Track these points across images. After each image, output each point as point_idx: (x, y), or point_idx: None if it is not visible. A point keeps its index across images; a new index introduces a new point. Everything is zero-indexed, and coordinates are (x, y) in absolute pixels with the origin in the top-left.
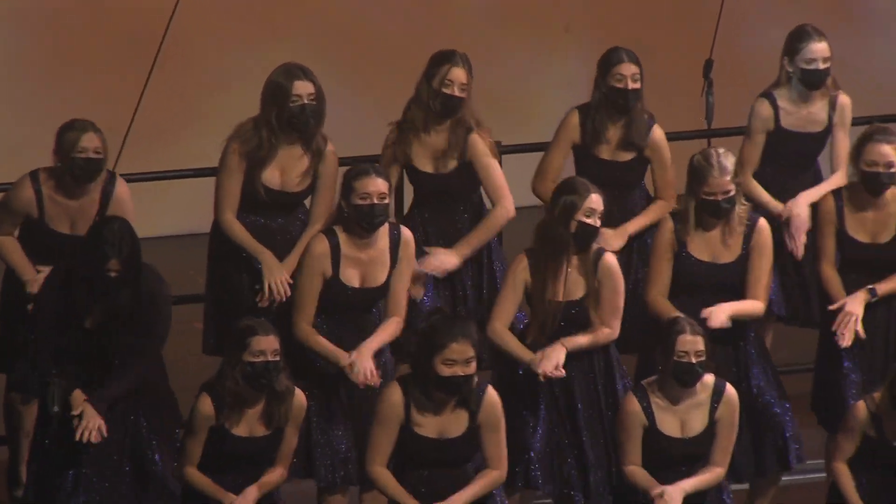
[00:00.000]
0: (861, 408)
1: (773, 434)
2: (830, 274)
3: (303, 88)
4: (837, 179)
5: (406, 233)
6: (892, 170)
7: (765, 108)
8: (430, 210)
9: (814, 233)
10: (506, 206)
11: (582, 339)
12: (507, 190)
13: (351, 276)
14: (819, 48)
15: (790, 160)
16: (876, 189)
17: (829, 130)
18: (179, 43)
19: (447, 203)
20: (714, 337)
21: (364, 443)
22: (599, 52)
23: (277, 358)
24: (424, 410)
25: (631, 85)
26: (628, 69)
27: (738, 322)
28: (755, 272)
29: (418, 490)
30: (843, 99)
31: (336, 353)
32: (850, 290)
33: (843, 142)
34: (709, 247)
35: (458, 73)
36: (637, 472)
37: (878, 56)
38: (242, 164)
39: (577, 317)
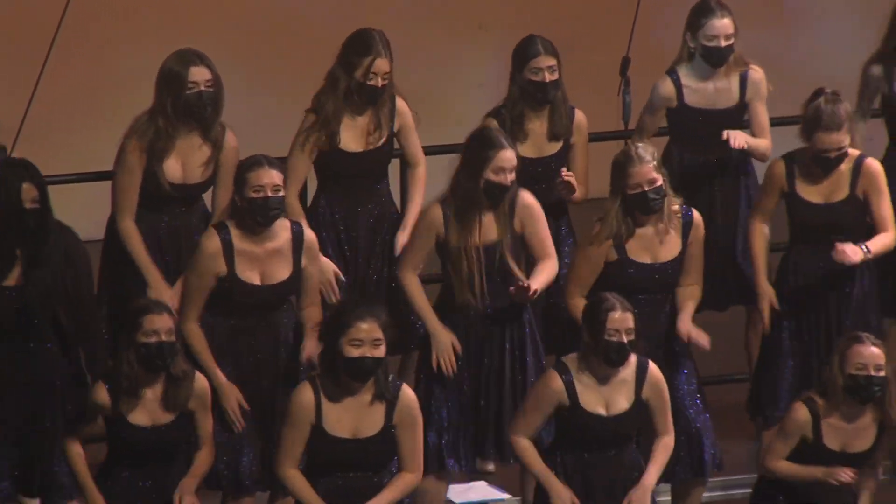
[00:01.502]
0: (801, 409)
1: (689, 441)
2: (759, 227)
3: (199, 75)
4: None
5: (309, 234)
6: (844, 150)
7: (666, 87)
8: (341, 191)
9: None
10: (424, 166)
11: (541, 278)
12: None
13: (249, 274)
14: (721, 25)
15: (704, 140)
16: (827, 168)
17: (742, 106)
18: (77, 36)
19: (363, 182)
20: (648, 339)
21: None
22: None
23: (172, 338)
24: (338, 408)
25: (548, 77)
26: (545, 62)
27: (669, 333)
28: (694, 262)
29: (331, 499)
30: (756, 73)
31: (217, 376)
32: (803, 263)
33: (762, 114)
34: (647, 248)
35: (382, 64)
36: (529, 448)
37: (806, 52)
38: (142, 162)
39: (500, 264)
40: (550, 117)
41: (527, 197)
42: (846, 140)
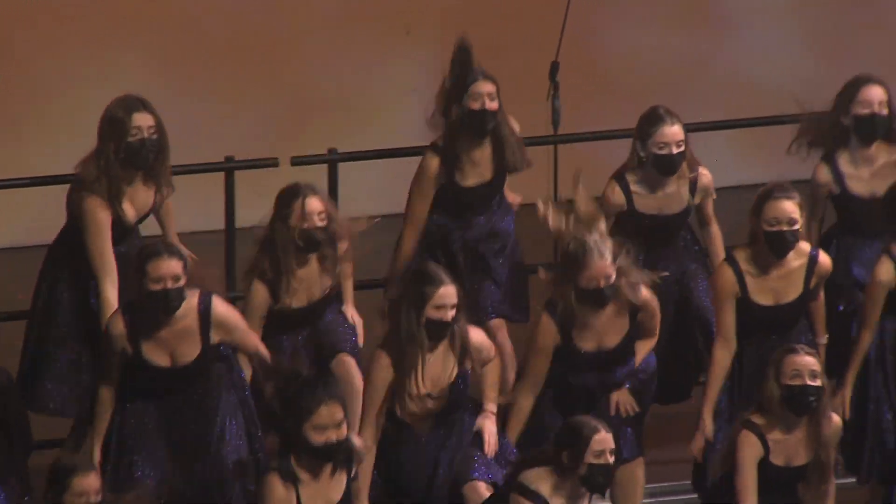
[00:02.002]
0: (749, 438)
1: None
2: (720, 356)
3: (142, 121)
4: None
5: (217, 308)
6: (796, 227)
7: (616, 195)
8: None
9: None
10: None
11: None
12: None
13: (157, 355)
14: (672, 132)
15: (652, 240)
16: (781, 249)
17: (689, 210)
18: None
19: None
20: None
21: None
22: (441, 55)
23: (99, 498)
24: (313, 486)
25: (489, 105)
26: (484, 87)
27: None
28: (647, 324)
29: None
30: (704, 178)
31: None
32: (753, 351)
33: (708, 206)
34: (595, 334)
35: (313, 203)
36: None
37: (734, 57)
38: (109, 215)
39: (453, 400)
40: (495, 149)
41: (476, 336)
42: (798, 213)
